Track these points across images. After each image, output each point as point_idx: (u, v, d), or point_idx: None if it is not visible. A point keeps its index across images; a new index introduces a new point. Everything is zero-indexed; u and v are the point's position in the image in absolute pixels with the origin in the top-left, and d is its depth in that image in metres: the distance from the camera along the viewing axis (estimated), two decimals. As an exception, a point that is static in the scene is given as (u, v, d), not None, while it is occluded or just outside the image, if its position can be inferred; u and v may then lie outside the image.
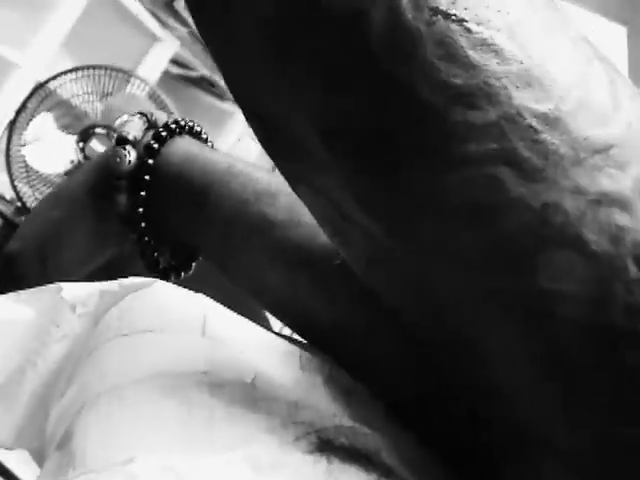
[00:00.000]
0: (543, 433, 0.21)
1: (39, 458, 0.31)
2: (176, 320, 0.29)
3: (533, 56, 0.19)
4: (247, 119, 0.26)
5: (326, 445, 0.25)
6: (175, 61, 1.93)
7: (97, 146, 1.14)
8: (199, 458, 0.23)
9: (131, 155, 0.40)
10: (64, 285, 0.32)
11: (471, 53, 0.19)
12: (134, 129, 0.41)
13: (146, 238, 0.41)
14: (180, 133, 0.42)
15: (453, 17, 0.19)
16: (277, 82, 0.22)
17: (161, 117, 0.43)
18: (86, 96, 1.24)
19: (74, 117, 1.22)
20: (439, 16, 0.19)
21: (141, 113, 0.43)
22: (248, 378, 0.27)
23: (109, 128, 1.18)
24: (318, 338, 0.33)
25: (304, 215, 0.36)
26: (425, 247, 0.21)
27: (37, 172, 1.22)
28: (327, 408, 0.27)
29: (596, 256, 0.19)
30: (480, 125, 0.19)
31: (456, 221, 0.20)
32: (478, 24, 0.19)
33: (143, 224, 0.40)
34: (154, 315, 0.30)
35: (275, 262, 0.36)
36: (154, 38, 1.81)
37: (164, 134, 0.40)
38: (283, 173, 0.26)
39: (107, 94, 1.25)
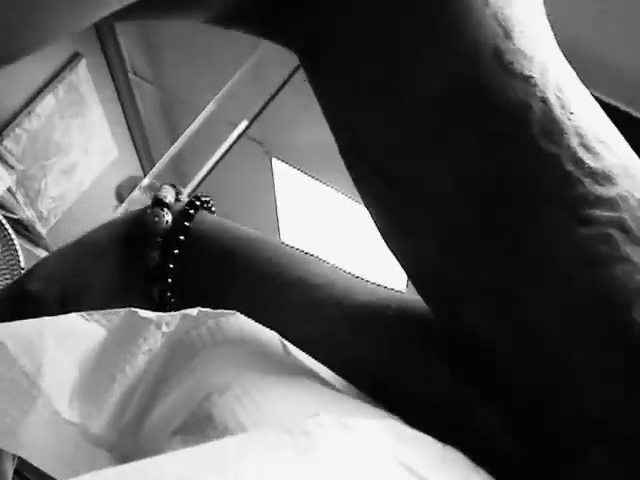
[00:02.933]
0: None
1: (118, 454, 0.32)
2: (262, 339, 0.33)
3: (629, 158, 0.28)
4: (365, 176, 0.31)
5: None
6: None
7: None
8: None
9: (168, 216, 0.43)
10: (136, 309, 0.35)
11: (596, 145, 0.26)
12: (170, 195, 0.45)
13: (169, 293, 0.43)
14: (202, 206, 0.46)
15: (584, 119, 0.27)
16: (437, 152, 0.28)
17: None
18: None
19: None
20: (575, 116, 0.27)
21: (172, 184, 0.48)
22: (341, 388, 0.32)
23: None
24: (361, 383, 0.34)
25: (339, 279, 0.39)
26: (539, 282, 0.27)
27: None
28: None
29: None
30: (604, 198, 0.26)
31: (580, 266, 0.26)
32: (596, 126, 0.27)
33: (170, 280, 0.42)
34: (242, 334, 0.33)
35: (313, 317, 0.38)
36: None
37: (197, 203, 0.45)
38: (391, 224, 0.31)
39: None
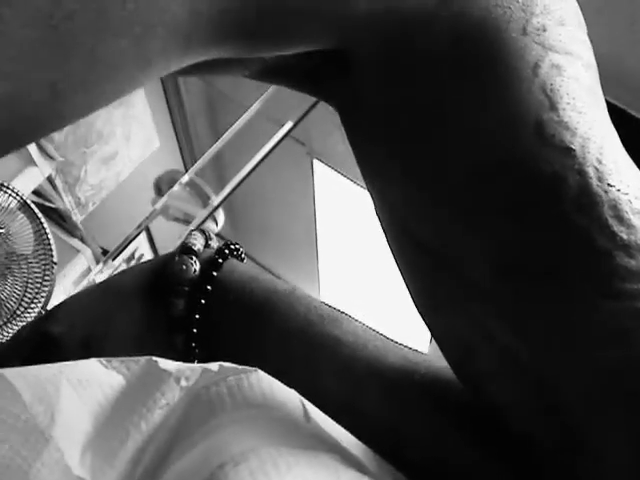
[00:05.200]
0: None
1: None
2: (282, 402, 0.32)
3: None
4: (402, 249, 0.31)
5: None
6: (34, 191, 1.88)
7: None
8: None
9: (196, 265, 0.43)
10: (157, 358, 0.34)
11: (632, 217, 0.26)
12: (199, 242, 0.45)
13: (193, 344, 0.42)
14: (232, 254, 0.45)
15: (621, 190, 0.26)
16: (469, 221, 0.28)
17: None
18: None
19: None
20: (613, 188, 0.26)
21: (201, 230, 0.47)
22: (360, 454, 0.31)
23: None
24: (381, 446, 0.34)
25: (370, 340, 0.39)
26: (568, 363, 0.26)
27: None
28: None
29: None
30: (635, 270, 0.25)
31: (607, 342, 0.25)
32: (636, 198, 0.26)
33: (195, 330, 0.42)
34: (263, 396, 0.32)
35: (342, 376, 0.38)
36: (30, 160, 1.76)
37: (226, 252, 0.44)
38: (426, 298, 0.31)
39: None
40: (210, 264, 0.43)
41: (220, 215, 2.54)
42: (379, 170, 0.30)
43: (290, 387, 0.35)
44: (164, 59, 0.21)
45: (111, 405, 0.33)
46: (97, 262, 1.95)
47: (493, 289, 0.27)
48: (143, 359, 0.35)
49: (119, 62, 0.20)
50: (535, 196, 0.26)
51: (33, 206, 1.24)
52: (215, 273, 0.42)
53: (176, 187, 2.20)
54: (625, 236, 0.25)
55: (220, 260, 0.43)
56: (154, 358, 0.34)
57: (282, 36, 0.25)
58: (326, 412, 0.32)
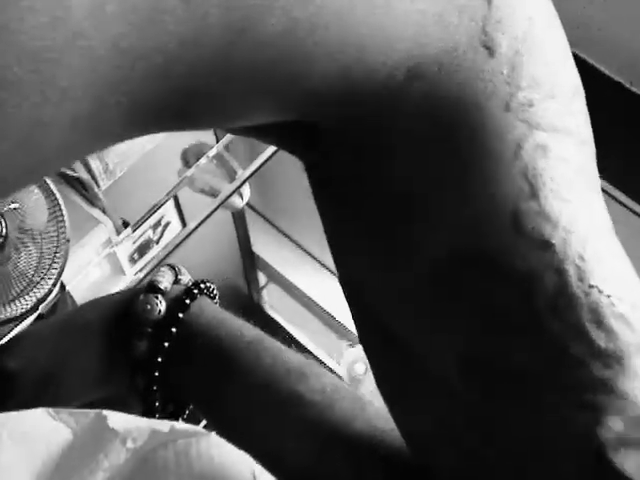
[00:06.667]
0: None
1: None
2: (230, 474, 0.31)
3: None
4: (370, 337, 0.29)
5: None
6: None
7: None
8: None
9: (162, 305, 0.41)
10: (107, 413, 0.33)
11: (612, 322, 0.23)
12: (166, 280, 0.42)
13: (154, 387, 0.40)
14: (202, 293, 0.43)
15: (604, 292, 0.24)
16: (435, 315, 0.25)
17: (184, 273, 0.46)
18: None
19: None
20: (594, 289, 0.23)
21: (170, 266, 0.44)
22: None
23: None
24: None
25: (337, 400, 0.37)
26: (535, 472, 0.24)
27: None
28: None
29: None
30: (608, 381, 0.23)
31: (579, 458, 0.23)
32: (620, 300, 0.24)
33: (157, 373, 0.40)
34: (210, 465, 0.31)
35: (303, 437, 0.37)
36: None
37: (195, 292, 0.42)
38: (392, 388, 0.29)
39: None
40: (177, 304, 0.41)
41: (246, 190, 2.50)
42: (346, 247, 0.28)
43: (249, 442, 0.34)
44: (97, 140, 0.20)
45: (55, 463, 0.31)
46: (117, 233, 1.93)
47: (460, 387, 0.25)
48: (93, 413, 0.33)
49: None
50: (505, 296, 0.24)
51: (49, 182, 1.20)
52: (181, 315, 0.41)
53: (203, 160, 2.17)
54: (603, 344, 0.23)
55: (187, 301, 0.41)
56: (104, 413, 0.33)
57: (229, 118, 0.23)
58: (283, 474, 0.31)
